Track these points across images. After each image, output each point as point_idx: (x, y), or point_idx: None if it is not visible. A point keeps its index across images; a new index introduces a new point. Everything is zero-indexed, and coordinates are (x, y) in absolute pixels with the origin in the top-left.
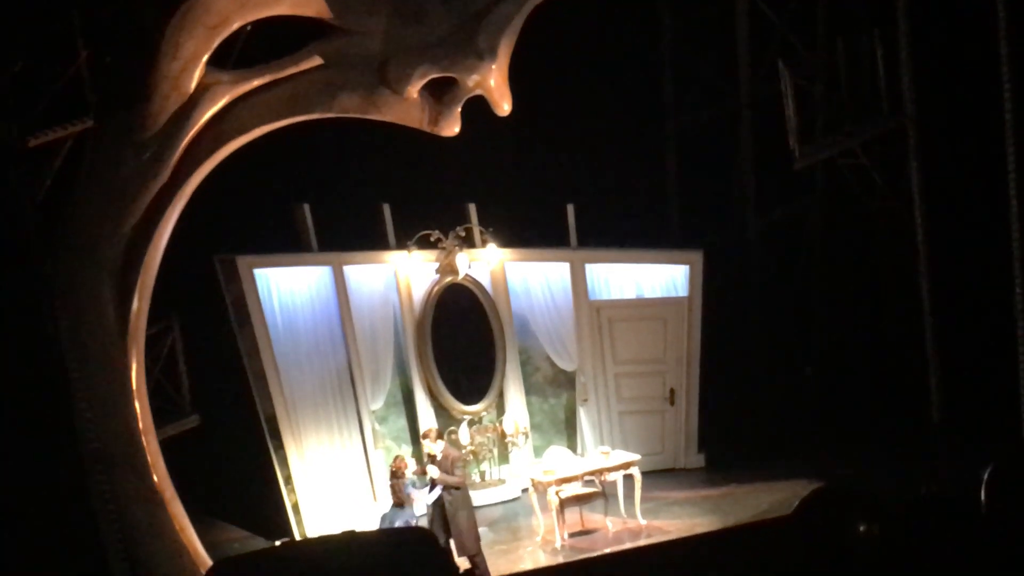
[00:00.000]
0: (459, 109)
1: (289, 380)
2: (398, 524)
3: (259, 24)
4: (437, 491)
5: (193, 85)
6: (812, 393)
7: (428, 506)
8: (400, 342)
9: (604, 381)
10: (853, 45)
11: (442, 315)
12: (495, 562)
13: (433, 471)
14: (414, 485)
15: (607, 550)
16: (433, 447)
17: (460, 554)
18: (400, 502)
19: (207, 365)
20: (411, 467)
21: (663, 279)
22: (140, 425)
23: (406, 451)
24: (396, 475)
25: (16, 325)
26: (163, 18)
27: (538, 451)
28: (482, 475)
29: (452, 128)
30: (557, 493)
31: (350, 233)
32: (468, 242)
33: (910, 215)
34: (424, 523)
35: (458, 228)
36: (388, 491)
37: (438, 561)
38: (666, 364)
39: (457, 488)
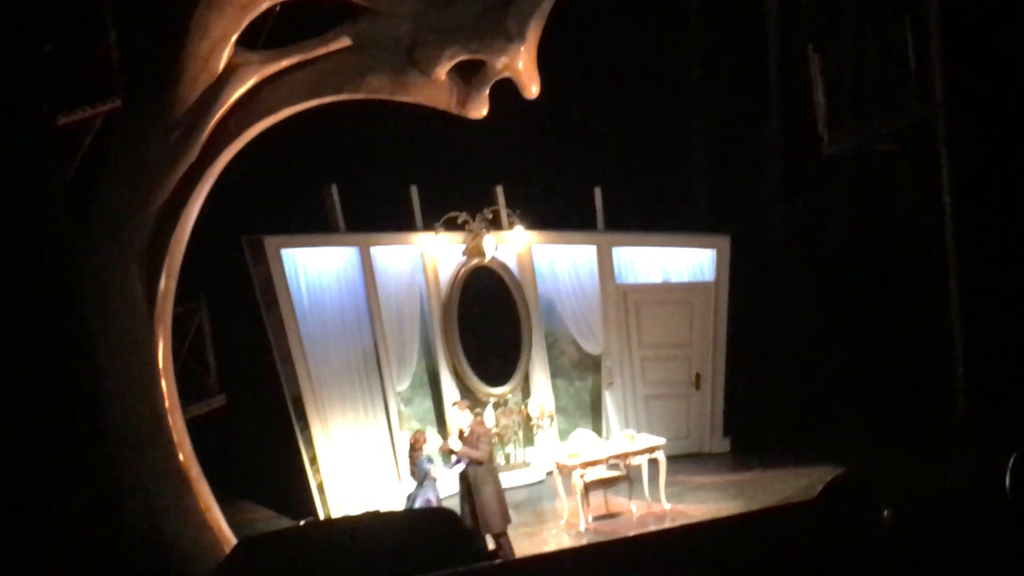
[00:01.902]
0: (487, 91)
1: (315, 361)
2: (418, 503)
3: (288, 5)
4: (461, 464)
5: (222, 65)
6: (838, 380)
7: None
8: (426, 324)
9: (630, 365)
10: (883, 32)
11: (468, 297)
12: (519, 544)
13: (455, 443)
14: (429, 461)
15: (631, 533)
16: (460, 417)
17: (484, 531)
18: (416, 476)
19: (234, 345)
20: (431, 442)
21: (690, 264)
22: (166, 404)
23: (431, 432)
24: (414, 448)
25: (44, 304)
26: None
27: (563, 434)
28: (507, 458)
29: (480, 110)
30: (582, 476)
31: (377, 214)
32: (495, 224)
33: (939, 204)
34: (453, 503)
35: (485, 210)
36: (408, 469)
37: (461, 541)
38: (692, 348)
39: (480, 463)
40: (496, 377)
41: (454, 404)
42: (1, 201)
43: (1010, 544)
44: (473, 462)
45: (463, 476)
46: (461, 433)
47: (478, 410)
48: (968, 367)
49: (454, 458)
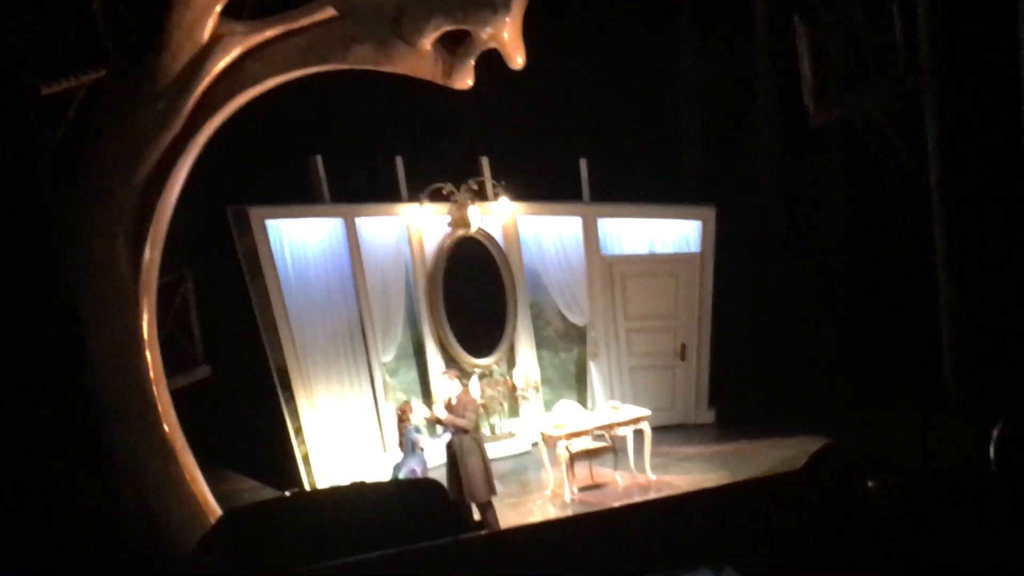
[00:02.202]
0: (472, 62)
1: (300, 332)
2: (402, 473)
3: None
4: (447, 434)
5: (207, 35)
6: (824, 350)
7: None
8: (411, 295)
9: (615, 336)
10: (870, 2)
11: (454, 268)
12: (504, 514)
13: (441, 411)
14: (417, 431)
15: (616, 504)
16: (449, 386)
17: (469, 501)
18: (403, 446)
19: (219, 316)
20: (417, 412)
21: (676, 235)
22: (152, 375)
23: (416, 402)
24: (401, 419)
25: (30, 275)
26: None
27: (548, 405)
28: (492, 428)
29: (465, 81)
30: (567, 447)
31: (362, 185)
32: (480, 195)
33: (926, 173)
34: (440, 473)
35: (470, 181)
36: (396, 439)
37: (447, 512)
38: (677, 320)
39: (466, 432)
40: (481, 348)
41: (443, 373)
42: None
43: (994, 516)
44: (459, 431)
45: (449, 446)
46: (448, 402)
47: (464, 381)
48: (954, 339)
49: (440, 428)
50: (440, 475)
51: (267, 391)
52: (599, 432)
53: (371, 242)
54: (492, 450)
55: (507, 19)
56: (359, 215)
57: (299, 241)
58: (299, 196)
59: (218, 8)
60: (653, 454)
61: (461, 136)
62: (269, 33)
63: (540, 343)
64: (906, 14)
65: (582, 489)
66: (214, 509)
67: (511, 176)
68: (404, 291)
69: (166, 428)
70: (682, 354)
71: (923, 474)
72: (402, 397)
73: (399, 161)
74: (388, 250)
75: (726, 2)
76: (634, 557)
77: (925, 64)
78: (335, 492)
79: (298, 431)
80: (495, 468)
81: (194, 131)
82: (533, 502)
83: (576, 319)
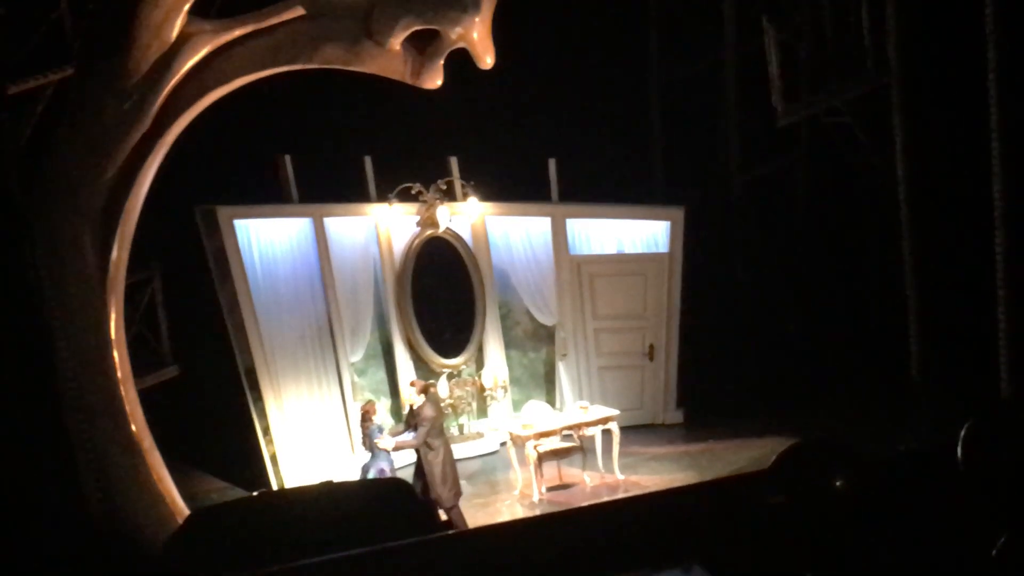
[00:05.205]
0: (442, 61)
1: (269, 331)
2: (371, 474)
3: None
4: (398, 438)
5: (175, 34)
6: (792, 350)
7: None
8: (380, 295)
9: (584, 336)
10: (838, 2)
11: (422, 268)
12: (473, 515)
13: (388, 442)
14: (380, 431)
15: (584, 504)
16: (415, 400)
17: (437, 505)
18: (367, 446)
19: (187, 315)
20: (380, 413)
21: (644, 235)
22: (119, 374)
23: (385, 404)
24: (364, 418)
25: None
26: None
27: (517, 405)
28: (460, 428)
29: (434, 80)
30: (535, 447)
31: (331, 185)
32: (449, 195)
33: (893, 173)
34: (408, 473)
35: (439, 181)
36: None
37: (415, 512)
38: (646, 320)
39: (429, 447)
40: (450, 348)
41: (411, 384)
42: None
43: (962, 514)
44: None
45: (416, 451)
46: (411, 409)
47: (431, 381)
48: (921, 336)
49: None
50: (409, 475)
51: (235, 391)
52: (567, 432)
53: (340, 242)
54: (460, 450)
55: (477, 19)
56: (328, 215)
57: (267, 241)
58: (268, 196)
59: (186, 7)
60: (621, 454)
61: (430, 136)
62: (238, 32)
63: (509, 343)
64: (874, 15)
65: (550, 489)
66: (181, 509)
67: (480, 176)
68: (373, 291)
69: (133, 428)
70: (651, 354)
71: (891, 473)
72: (370, 397)
73: (368, 161)
74: (357, 250)
75: (695, 3)
76: (602, 557)
77: (893, 64)
78: (303, 492)
79: (266, 431)
80: (463, 468)
81: (162, 130)
82: (501, 502)
83: (545, 319)
